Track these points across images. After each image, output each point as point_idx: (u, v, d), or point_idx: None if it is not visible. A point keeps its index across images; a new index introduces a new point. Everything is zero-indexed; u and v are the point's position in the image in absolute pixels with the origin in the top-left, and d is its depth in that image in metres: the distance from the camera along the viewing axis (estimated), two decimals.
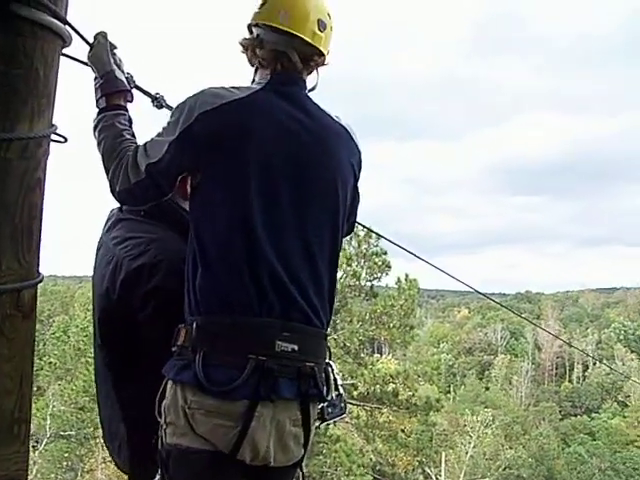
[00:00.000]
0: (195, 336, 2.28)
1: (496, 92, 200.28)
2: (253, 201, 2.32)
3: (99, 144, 2.50)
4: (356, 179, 2.64)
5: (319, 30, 2.46)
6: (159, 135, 2.41)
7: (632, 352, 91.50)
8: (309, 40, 2.45)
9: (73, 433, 28.00)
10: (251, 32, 2.55)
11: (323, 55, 2.53)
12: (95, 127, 2.53)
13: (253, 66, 2.56)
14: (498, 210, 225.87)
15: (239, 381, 2.21)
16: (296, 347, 2.32)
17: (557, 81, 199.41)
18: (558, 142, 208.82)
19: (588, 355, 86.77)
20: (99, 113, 2.55)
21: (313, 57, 2.50)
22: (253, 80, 2.56)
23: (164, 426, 2.33)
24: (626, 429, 64.35)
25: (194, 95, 2.37)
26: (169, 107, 2.86)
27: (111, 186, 2.45)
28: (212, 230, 2.33)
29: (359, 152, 2.64)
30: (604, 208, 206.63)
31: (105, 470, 23.96)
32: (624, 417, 68.97)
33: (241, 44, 2.57)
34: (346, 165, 2.55)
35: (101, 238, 2.84)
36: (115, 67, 2.57)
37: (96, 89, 2.57)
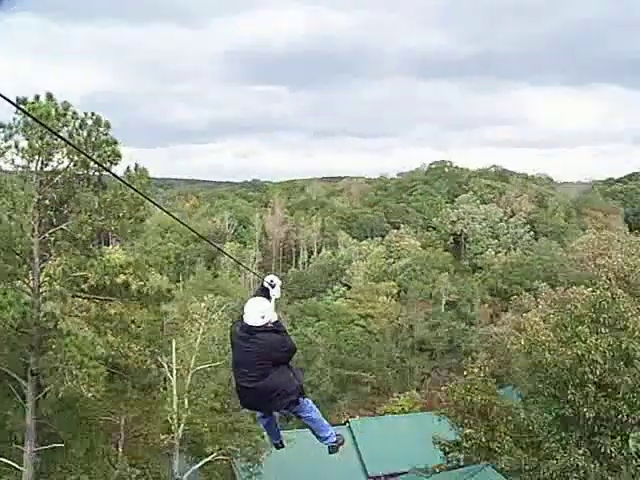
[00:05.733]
0: None
1: None
2: None
3: None
4: None
5: None
6: None
7: (353, 238, 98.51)
8: None
9: None
10: None
11: None
12: None
13: None
14: (237, 98, 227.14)
15: None
16: None
17: None
18: (299, 32, 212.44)
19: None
20: None
21: None
22: None
23: None
24: (348, 309, 69.74)
25: None
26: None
27: None
28: None
29: None
30: (338, 100, 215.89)
31: None
32: (346, 298, 74.55)
33: None
34: None
35: None
36: None
37: None
